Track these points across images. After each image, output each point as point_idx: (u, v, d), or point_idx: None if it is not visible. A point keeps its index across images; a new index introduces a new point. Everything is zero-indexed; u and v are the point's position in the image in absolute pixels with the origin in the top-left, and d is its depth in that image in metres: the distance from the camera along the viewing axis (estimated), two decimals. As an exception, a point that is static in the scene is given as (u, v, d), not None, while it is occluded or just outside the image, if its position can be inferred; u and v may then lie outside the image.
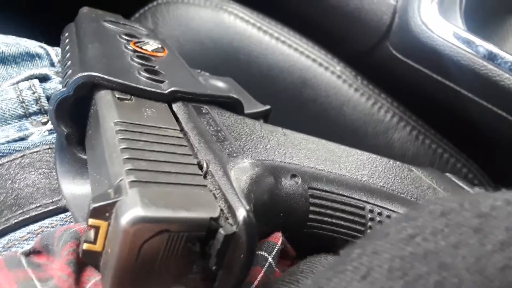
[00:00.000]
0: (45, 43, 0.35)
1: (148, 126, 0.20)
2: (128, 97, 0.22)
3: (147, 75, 0.23)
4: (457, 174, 0.40)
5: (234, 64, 0.43)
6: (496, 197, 0.13)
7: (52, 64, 0.33)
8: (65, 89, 0.21)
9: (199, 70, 0.32)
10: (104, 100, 0.21)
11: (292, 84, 0.43)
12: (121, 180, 0.16)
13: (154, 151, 0.18)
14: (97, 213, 0.15)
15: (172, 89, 0.23)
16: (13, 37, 0.35)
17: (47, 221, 0.21)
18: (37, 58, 0.32)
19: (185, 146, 0.19)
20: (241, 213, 0.16)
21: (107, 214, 0.15)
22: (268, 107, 0.28)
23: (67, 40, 0.28)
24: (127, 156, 0.17)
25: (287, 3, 0.44)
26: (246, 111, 0.26)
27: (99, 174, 0.19)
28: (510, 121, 0.36)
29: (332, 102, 0.42)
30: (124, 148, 0.17)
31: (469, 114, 0.39)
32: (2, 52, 0.31)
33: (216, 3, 0.43)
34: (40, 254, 0.19)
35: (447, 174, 0.27)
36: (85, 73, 0.21)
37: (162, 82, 0.23)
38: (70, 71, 0.23)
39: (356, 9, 0.40)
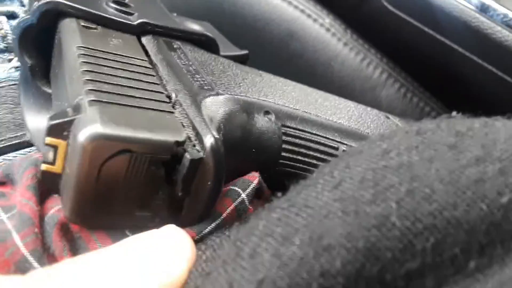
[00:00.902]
0: None
1: (113, 54, 0.18)
2: (94, 26, 0.20)
3: (115, 6, 0.22)
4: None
5: (218, 15, 0.41)
6: (473, 120, 0.13)
7: (22, 4, 0.31)
8: (29, 17, 0.20)
9: (175, 14, 0.31)
10: (69, 27, 0.20)
11: (278, 36, 0.41)
12: (80, 99, 0.15)
13: (118, 76, 0.17)
14: (54, 131, 0.14)
15: (142, 20, 0.21)
16: None
17: (10, 155, 0.21)
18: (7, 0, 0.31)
19: (153, 75, 0.18)
20: (209, 139, 0.15)
21: (65, 133, 0.14)
22: (245, 51, 0.26)
23: None
24: (88, 78, 0.16)
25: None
26: (222, 53, 0.25)
27: (60, 100, 0.18)
28: (500, 77, 0.35)
29: (319, 57, 0.41)
30: (85, 70, 0.16)
31: (460, 70, 0.38)
32: None
33: None
34: (4, 184, 0.18)
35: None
36: (51, 6, 0.20)
37: (131, 14, 0.22)
38: (35, 1, 0.22)
39: (347, -43, 0.38)
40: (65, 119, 0.14)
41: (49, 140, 0.14)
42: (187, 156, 0.15)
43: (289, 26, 0.41)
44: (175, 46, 0.22)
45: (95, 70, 0.17)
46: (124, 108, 0.15)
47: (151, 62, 0.20)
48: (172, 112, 0.16)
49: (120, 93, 0.16)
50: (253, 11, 0.41)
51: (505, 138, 0.11)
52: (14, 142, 0.21)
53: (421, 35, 0.38)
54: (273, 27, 0.41)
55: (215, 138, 0.15)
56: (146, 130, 0.14)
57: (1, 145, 0.21)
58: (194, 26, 0.28)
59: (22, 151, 0.20)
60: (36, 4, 0.21)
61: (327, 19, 0.41)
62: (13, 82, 0.23)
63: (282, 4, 0.40)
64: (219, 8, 0.41)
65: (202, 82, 0.19)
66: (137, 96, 0.16)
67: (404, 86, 0.40)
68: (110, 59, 0.18)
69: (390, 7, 0.38)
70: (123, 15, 0.22)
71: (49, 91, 0.21)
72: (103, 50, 0.18)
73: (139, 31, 0.21)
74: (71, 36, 0.19)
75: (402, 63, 0.40)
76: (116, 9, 0.22)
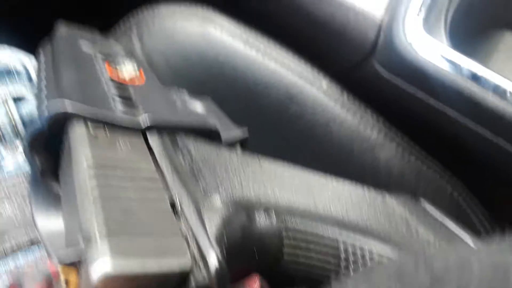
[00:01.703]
0: (25, 49, 0.34)
1: (121, 167, 0.19)
2: (102, 129, 0.21)
3: (122, 104, 0.23)
4: (441, 191, 0.41)
5: (219, 79, 0.43)
6: (451, 259, 0.13)
7: (29, 79, 0.32)
8: (38, 125, 0.21)
9: (176, 88, 0.32)
10: (78, 134, 0.21)
11: (278, 100, 0.42)
12: (91, 229, 0.16)
13: (126, 197, 0.18)
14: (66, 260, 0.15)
15: (147, 119, 0.22)
16: None
17: (20, 257, 0.21)
18: (15, 74, 0.32)
19: (160, 186, 0.19)
20: (213, 262, 0.16)
21: (77, 263, 0.15)
22: (246, 133, 0.27)
23: (43, 61, 0.28)
24: (99, 205, 0.17)
25: (275, 18, 0.43)
26: (223, 138, 0.26)
27: (71, 214, 0.19)
28: (493, 141, 0.36)
29: (319, 119, 0.42)
30: (96, 196, 0.17)
31: (454, 132, 0.39)
32: None
33: (203, 15, 0.43)
34: None
35: (421, 200, 0.27)
36: (60, 108, 0.21)
37: (137, 111, 0.23)
38: (44, 99, 0.23)
39: (342, 25, 0.40)
40: (77, 251, 0.15)
41: (61, 268, 0.15)
42: (192, 283, 0.15)
43: (288, 90, 0.42)
44: (179, 142, 0.23)
45: (106, 194, 0.17)
46: (132, 236, 0.16)
47: (156, 163, 0.21)
48: (178, 231, 0.17)
49: (129, 218, 0.17)
50: (254, 76, 0.42)
51: (479, 282, 0.12)
52: (23, 241, 0.21)
53: (415, 99, 0.39)
54: (272, 91, 0.42)
55: (219, 261, 0.16)
56: (154, 261, 0.15)
57: (10, 245, 0.21)
58: (197, 106, 0.29)
59: (33, 256, 0.21)
60: (44, 106, 0.22)
61: (324, 83, 0.42)
62: (23, 177, 0.24)
63: (281, 69, 0.42)
64: (219, 72, 0.42)
65: (205, 185, 0.20)
66: (144, 218, 0.17)
67: (401, 145, 0.41)
68: (118, 175, 0.19)
69: (385, 72, 0.40)
70: (129, 113, 0.23)
71: (58, 191, 0.22)
72: (112, 164, 0.19)
73: (145, 129, 0.22)
74: (80, 144, 0.20)
75: (398, 124, 0.41)
76: (123, 107, 0.23)
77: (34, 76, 0.33)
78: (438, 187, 0.40)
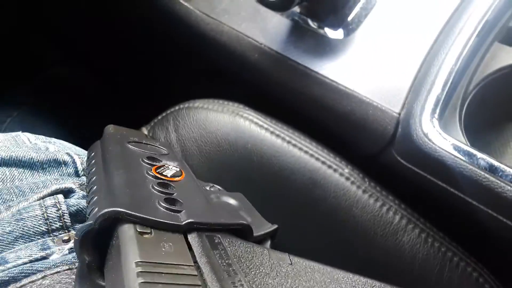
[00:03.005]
0: (72, 142, 0.38)
1: (166, 265, 0.22)
2: (149, 231, 0.24)
3: (166, 205, 0.26)
4: (467, 277, 0.41)
5: (247, 165, 0.46)
6: None
7: (76, 173, 0.35)
8: (91, 222, 0.24)
9: (211, 185, 0.35)
10: (126, 235, 0.23)
11: (302, 184, 0.45)
12: None
13: None
14: None
15: (188, 221, 0.25)
16: (43, 137, 0.39)
17: None
18: (63, 166, 0.35)
19: (198, 285, 0.21)
20: None
21: None
22: (275, 227, 0.29)
23: (93, 161, 0.31)
24: None
25: (299, 110, 0.47)
26: (255, 233, 0.28)
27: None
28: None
29: (341, 203, 0.44)
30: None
31: (475, 219, 0.39)
32: (31, 158, 0.34)
33: (233, 110, 0.47)
34: None
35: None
36: (110, 209, 0.24)
37: (179, 212, 0.26)
38: (95, 199, 0.26)
39: (362, 118, 0.43)
40: None
41: None
42: None
43: (311, 176, 0.44)
44: (216, 241, 0.25)
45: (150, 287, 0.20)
46: None
47: (195, 261, 0.23)
48: None
49: None
50: (279, 162, 0.45)
51: None
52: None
53: (435, 187, 0.40)
54: (297, 176, 0.45)
55: None
56: None
57: None
58: (230, 201, 0.31)
59: None
60: (97, 208, 0.25)
61: (346, 169, 0.44)
62: (67, 267, 0.26)
63: (305, 156, 0.45)
64: (248, 159, 0.45)
65: (240, 287, 0.22)
66: None
67: (424, 231, 0.42)
68: (163, 273, 0.21)
69: (403, 162, 0.42)
70: (172, 214, 0.25)
71: (103, 283, 0.24)
72: (157, 262, 0.21)
73: (186, 229, 0.25)
74: (129, 247, 0.22)
75: (419, 210, 0.43)
76: (166, 208, 0.26)
77: (80, 168, 0.36)
78: (464, 273, 0.40)
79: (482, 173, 0.37)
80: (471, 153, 0.37)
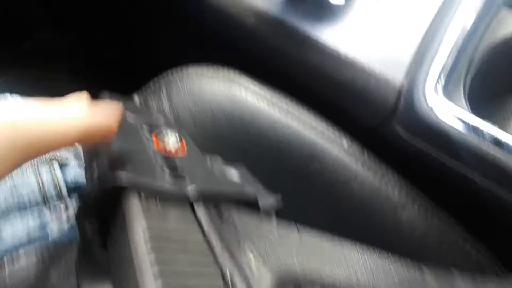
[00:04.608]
0: None
1: (174, 239, 0.20)
2: (154, 201, 0.22)
3: (170, 176, 0.24)
4: (465, 254, 0.41)
5: (244, 137, 0.44)
6: None
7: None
8: (92, 189, 0.22)
9: (212, 156, 0.33)
10: (132, 206, 0.21)
11: (300, 157, 0.43)
12: None
13: (182, 271, 0.18)
14: None
15: (195, 190, 0.23)
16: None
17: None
18: None
19: (211, 260, 0.20)
20: None
21: None
22: (279, 202, 0.28)
23: None
24: (156, 271, 0.17)
25: (297, 79, 0.45)
26: (260, 206, 0.26)
27: (123, 279, 0.19)
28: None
29: (339, 177, 0.43)
30: (156, 273, 0.17)
31: (477, 194, 0.39)
32: None
33: (228, 76, 0.45)
34: None
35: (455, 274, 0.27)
36: (115, 183, 0.22)
37: (184, 183, 0.24)
38: (96, 169, 0.24)
39: (362, 88, 0.42)
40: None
41: None
42: None
43: (309, 148, 0.43)
44: (224, 212, 0.23)
45: (161, 260, 0.18)
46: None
47: (204, 233, 0.22)
48: None
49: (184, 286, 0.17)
50: (276, 134, 0.43)
51: None
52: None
53: (436, 160, 0.40)
54: (294, 149, 0.43)
55: None
56: None
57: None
58: (233, 173, 0.30)
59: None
60: (96, 176, 0.23)
61: (344, 142, 0.43)
62: (67, 243, 0.24)
63: (303, 128, 0.43)
64: (245, 131, 0.44)
65: (251, 260, 0.21)
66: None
67: (423, 206, 0.42)
68: (172, 248, 0.19)
69: (405, 134, 0.41)
70: (178, 184, 0.23)
71: (106, 259, 0.22)
72: (165, 235, 0.20)
73: (193, 200, 0.23)
74: (136, 216, 0.20)
75: (419, 185, 0.42)
76: (171, 178, 0.24)
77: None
78: (462, 250, 0.40)
79: (487, 145, 0.36)
80: (476, 125, 0.37)
